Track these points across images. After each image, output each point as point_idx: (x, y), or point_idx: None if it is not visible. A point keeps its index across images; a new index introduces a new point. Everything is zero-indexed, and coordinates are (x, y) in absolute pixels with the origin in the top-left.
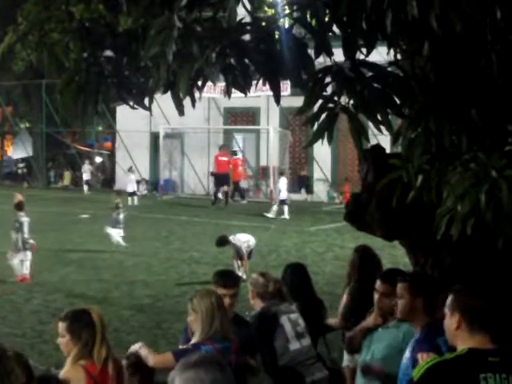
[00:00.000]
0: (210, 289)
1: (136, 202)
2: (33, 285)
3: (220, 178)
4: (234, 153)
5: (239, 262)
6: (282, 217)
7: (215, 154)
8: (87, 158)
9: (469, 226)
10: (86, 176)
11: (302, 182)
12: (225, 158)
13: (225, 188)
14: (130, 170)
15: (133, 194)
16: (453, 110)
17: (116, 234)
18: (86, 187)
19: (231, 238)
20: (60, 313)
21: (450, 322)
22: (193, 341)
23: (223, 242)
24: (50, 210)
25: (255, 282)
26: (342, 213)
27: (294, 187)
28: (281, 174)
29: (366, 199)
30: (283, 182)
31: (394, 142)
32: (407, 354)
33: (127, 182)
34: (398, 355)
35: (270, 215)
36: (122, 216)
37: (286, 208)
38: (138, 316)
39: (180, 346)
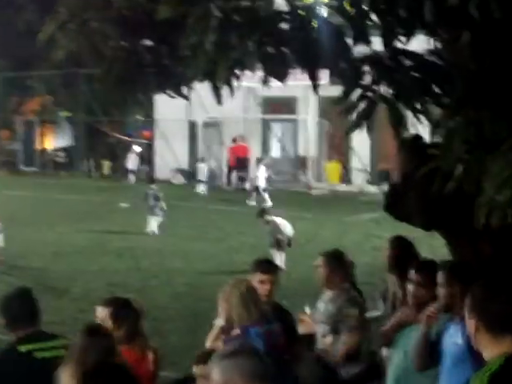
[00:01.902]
0: (239, 278)
1: (205, 191)
2: (72, 273)
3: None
4: (234, 140)
5: (277, 252)
6: (264, 204)
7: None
8: (132, 147)
9: (509, 215)
10: (130, 165)
11: (383, 175)
12: (243, 145)
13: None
14: (202, 160)
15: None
16: (493, 98)
17: (152, 221)
18: (131, 176)
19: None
20: (100, 301)
21: (469, 325)
22: (236, 328)
23: (263, 212)
24: (89, 198)
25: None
26: (380, 203)
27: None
28: (259, 162)
29: (404, 189)
30: (262, 171)
31: (433, 132)
32: (458, 340)
33: (199, 170)
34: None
35: (252, 203)
36: (154, 203)
37: (266, 195)
38: (176, 304)
39: None
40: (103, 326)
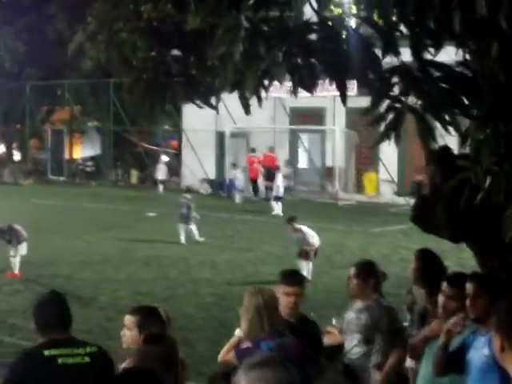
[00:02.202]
0: (260, 287)
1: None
2: (99, 282)
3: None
4: (253, 150)
5: (304, 263)
6: (274, 213)
7: (265, 152)
8: (160, 158)
9: None
10: (160, 175)
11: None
12: (271, 155)
13: (267, 183)
14: (234, 166)
15: (279, 198)
16: None
17: (182, 229)
18: (161, 186)
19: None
20: (126, 310)
21: (495, 342)
22: (247, 340)
23: (292, 220)
24: (117, 207)
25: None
26: (408, 214)
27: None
28: (277, 170)
29: (433, 201)
30: (280, 179)
31: (462, 143)
32: (485, 351)
33: (237, 178)
34: None
35: (275, 213)
36: (187, 212)
37: (279, 204)
38: (203, 314)
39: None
40: (165, 335)
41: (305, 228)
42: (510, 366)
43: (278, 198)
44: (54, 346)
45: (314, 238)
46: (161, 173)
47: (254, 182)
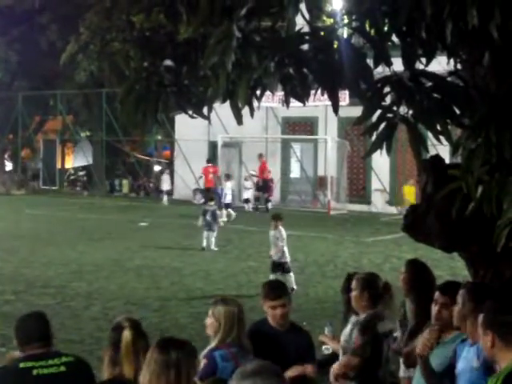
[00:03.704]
0: (233, 299)
1: (232, 216)
2: (92, 292)
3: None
4: (208, 160)
5: (286, 275)
6: (221, 220)
7: (262, 161)
8: (164, 169)
9: None
10: (165, 186)
11: None
12: (266, 166)
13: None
14: (227, 176)
15: (229, 205)
16: None
17: (205, 236)
18: (165, 197)
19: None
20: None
21: (484, 340)
22: (210, 346)
23: (279, 216)
24: (109, 217)
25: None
26: (400, 223)
27: None
28: (227, 178)
29: (424, 210)
30: (229, 187)
31: (453, 153)
32: (475, 363)
33: (225, 190)
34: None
35: (223, 219)
36: (212, 220)
37: (225, 212)
38: (196, 324)
39: None
40: (175, 340)
41: (284, 233)
42: (501, 360)
43: (226, 205)
44: (31, 359)
45: (282, 250)
46: (165, 184)
47: (207, 191)
